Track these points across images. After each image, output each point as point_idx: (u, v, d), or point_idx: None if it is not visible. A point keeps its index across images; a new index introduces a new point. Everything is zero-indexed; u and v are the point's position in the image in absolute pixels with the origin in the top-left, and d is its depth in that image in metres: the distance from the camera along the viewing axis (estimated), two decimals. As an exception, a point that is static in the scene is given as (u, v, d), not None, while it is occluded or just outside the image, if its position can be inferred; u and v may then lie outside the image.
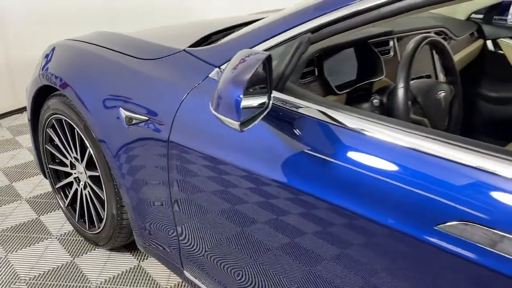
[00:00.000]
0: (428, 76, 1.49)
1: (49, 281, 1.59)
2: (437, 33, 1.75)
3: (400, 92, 1.07)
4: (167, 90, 1.18)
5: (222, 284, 1.19)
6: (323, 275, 0.89)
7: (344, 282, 0.85)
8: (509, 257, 0.63)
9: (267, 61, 0.83)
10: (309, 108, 0.91)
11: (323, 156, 0.85)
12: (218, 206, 1.07)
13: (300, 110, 0.92)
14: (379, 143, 0.80)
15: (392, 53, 1.51)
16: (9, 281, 1.58)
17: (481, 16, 2.10)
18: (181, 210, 1.20)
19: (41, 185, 2.26)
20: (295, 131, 0.91)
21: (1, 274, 1.62)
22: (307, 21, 0.94)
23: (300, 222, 0.90)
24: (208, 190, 1.08)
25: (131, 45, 1.40)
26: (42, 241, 1.82)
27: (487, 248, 0.65)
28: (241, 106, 0.76)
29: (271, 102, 0.87)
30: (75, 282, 1.59)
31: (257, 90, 0.84)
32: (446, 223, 0.70)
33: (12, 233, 1.87)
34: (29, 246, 1.78)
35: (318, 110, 0.90)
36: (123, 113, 1.25)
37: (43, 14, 3.30)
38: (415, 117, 1.13)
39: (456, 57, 1.78)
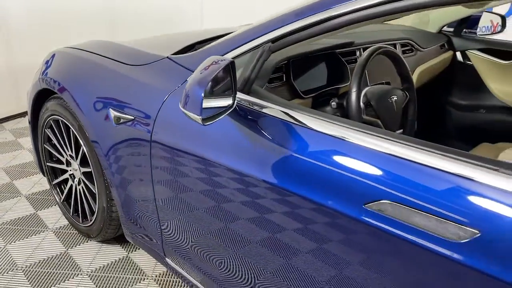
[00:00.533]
0: (388, 83, 1.63)
1: (44, 269, 1.72)
2: (403, 45, 1.90)
3: (353, 96, 1.21)
4: (151, 92, 1.32)
5: (200, 269, 1.32)
6: (293, 262, 1.00)
7: (308, 263, 0.97)
8: (421, 229, 0.77)
9: (231, 66, 0.97)
10: (272, 109, 1.05)
11: (282, 149, 0.98)
12: (193, 197, 1.20)
13: (264, 110, 1.06)
14: (333, 140, 0.91)
15: (358, 62, 1.65)
16: (8, 269, 1.72)
17: (451, 29, 2.25)
18: (162, 203, 1.33)
19: (40, 183, 2.41)
20: (259, 128, 1.05)
21: (0, 262, 1.75)
22: (268, 32, 1.08)
23: (264, 209, 1.02)
24: (186, 184, 1.21)
25: (122, 52, 1.55)
26: (39, 233, 1.95)
27: (404, 222, 0.78)
28: (202, 105, 0.90)
29: (235, 102, 1.01)
30: (67, 270, 1.72)
31: (225, 93, 0.98)
32: (373, 202, 0.83)
33: (11, 226, 2.00)
34: (27, 238, 1.92)
35: (280, 111, 1.03)
36: (112, 113, 1.39)
37: (45, 24, 3.45)
38: (368, 118, 1.26)
39: (424, 66, 1.93)
